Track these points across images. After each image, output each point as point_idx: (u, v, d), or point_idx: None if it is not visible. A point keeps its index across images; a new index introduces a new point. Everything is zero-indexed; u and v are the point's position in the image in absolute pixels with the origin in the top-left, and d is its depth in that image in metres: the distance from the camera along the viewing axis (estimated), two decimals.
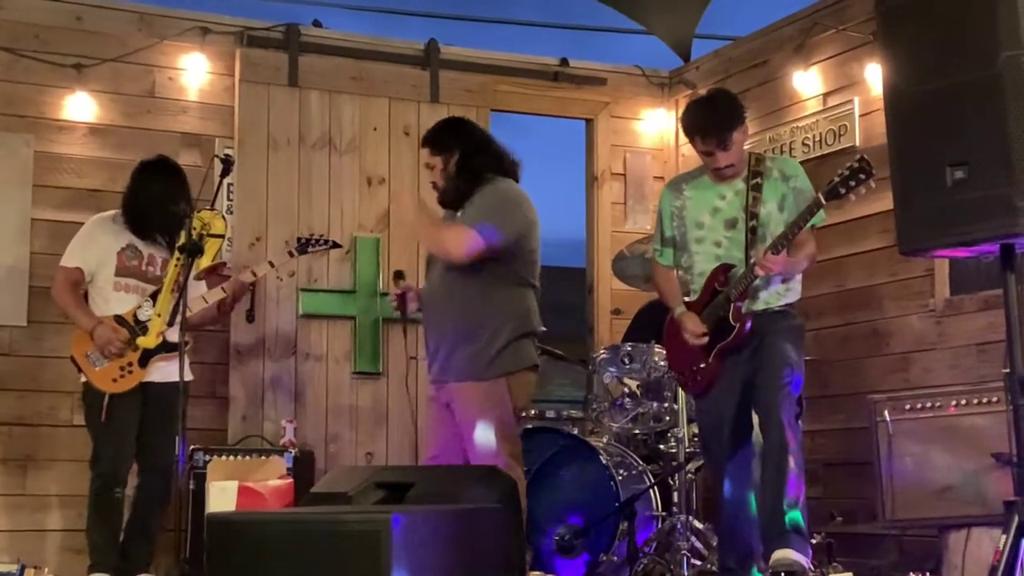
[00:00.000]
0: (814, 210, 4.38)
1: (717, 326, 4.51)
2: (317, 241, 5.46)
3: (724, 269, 4.54)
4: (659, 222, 4.78)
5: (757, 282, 4.47)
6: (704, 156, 4.57)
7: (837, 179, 4.33)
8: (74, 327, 5.20)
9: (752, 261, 4.41)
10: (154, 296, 5.13)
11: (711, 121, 4.52)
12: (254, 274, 5.39)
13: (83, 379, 5.15)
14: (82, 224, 5.35)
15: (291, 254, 5.47)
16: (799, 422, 4.38)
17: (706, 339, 4.51)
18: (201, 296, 5.20)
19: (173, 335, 4.95)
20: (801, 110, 6.48)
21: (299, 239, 5.55)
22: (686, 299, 4.66)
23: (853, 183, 4.30)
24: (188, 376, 5.07)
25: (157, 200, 5.15)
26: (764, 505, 4.32)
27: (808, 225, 4.44)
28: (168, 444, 4.80)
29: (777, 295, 4.55)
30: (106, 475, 5.08)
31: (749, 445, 4.56)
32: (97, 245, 5.22)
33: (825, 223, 4.67)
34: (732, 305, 4.47)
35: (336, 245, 5.73)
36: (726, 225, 4.57)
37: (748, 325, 4.46)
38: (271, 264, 5.46)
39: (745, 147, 4.65)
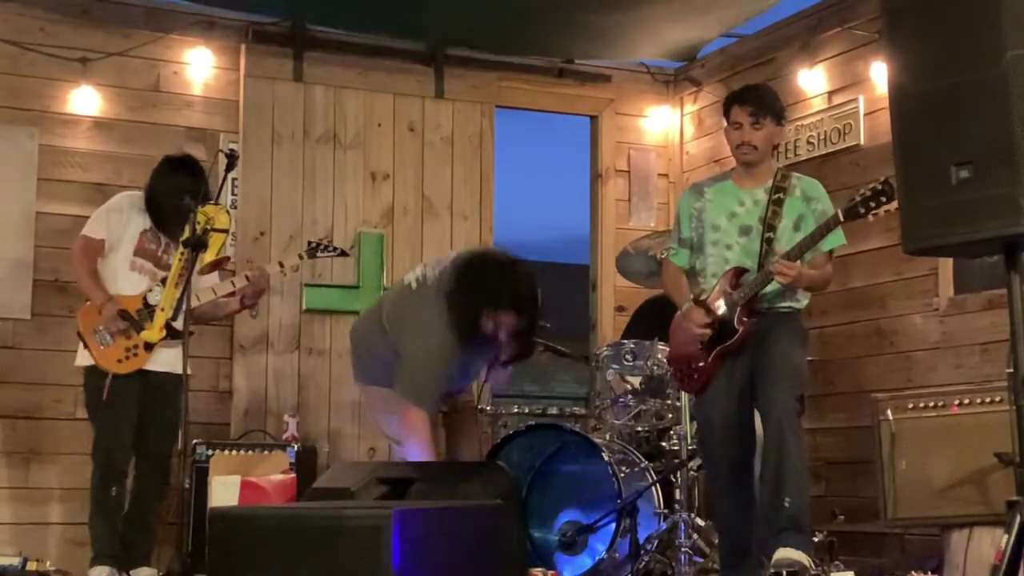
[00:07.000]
0: (831, 225, 4.37)
1: (721, 327, 4.50)
2: (327, 247, 5.53)
3: (738, 272, 4.52)
4: (677, 223, 4.77)
5: (766, 289, 4.46)
6: (732, 129, 4.57)
7: (859, 198, 4.32)
8: (78, 311, 5.17)
9: (769, 266, 4.40)
10: (164, 282, 5.13)
11: (754, 92, 4.62)
12: (281, 265, 5.47)
13: (83, 364, 5.13)
14: (86, 218, 5.33)
15: (301, 258, 5.54)
16: (800, 420, 4.37)
17: (709, 331, 4.50)
18: (211, 287, 5.21)
19: (177, 324, 4.96)
20: (806, 108, 6.48)
21: (310, 243, 5.60)
22: (695, 297, 4.64)
23: (874, 204, 4.29)
24: (189, 371, 5.08)
25: (172, 196, 5.14)
26: (763, 502, 4.31)
27: (827, 248, 4.48)
28: (167, 435, 4.81)
29: (782, 298, 4.54)
30: (105, 463, 5.07)
31: (751, 444, 4.56)
32: (123, 220, 5.20)
33: None
34: (739, 308, 4.46)
35: (344, 254, 5.80)
36: (740, 231, 4.56)
37: (752, 329, 4.46)
38: (280, 265, 5.51)
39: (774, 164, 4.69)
